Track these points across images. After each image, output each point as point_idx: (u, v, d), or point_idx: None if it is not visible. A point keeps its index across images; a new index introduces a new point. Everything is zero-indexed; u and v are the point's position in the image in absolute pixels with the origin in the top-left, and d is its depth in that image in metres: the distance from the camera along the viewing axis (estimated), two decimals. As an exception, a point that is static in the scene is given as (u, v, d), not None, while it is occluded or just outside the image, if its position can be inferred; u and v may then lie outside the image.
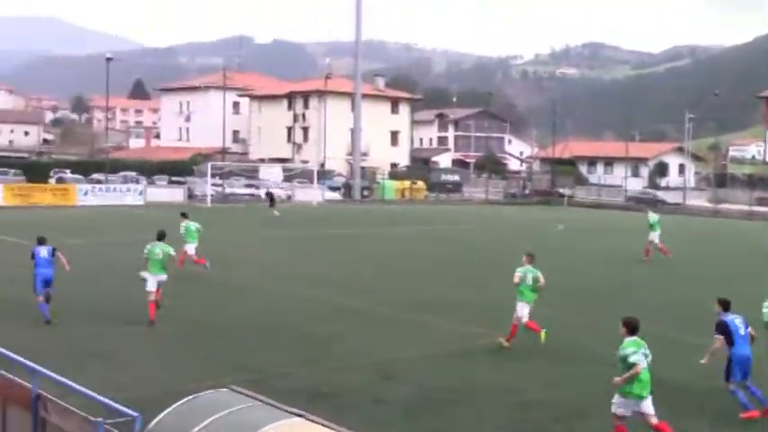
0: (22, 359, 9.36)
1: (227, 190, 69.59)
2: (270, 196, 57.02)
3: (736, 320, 12.95)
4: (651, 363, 11.21)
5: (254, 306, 21.58)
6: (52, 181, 70.03)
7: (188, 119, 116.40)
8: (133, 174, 75.00)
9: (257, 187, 71.93)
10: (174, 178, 72.78)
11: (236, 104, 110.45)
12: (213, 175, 66.72)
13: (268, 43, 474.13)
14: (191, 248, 27.52)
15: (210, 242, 36.24)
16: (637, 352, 10.97)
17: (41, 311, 18.42)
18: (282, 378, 14.37)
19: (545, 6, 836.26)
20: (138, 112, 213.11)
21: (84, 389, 8.07)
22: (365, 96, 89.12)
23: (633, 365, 10.87)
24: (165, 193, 65.03)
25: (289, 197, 70.15)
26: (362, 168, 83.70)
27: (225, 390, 8.12)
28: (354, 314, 20.93)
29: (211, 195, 63.78)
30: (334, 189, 77.11)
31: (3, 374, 9.65)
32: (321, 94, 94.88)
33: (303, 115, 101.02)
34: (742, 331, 12.87)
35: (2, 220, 44.90)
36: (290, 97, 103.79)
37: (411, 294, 23.96)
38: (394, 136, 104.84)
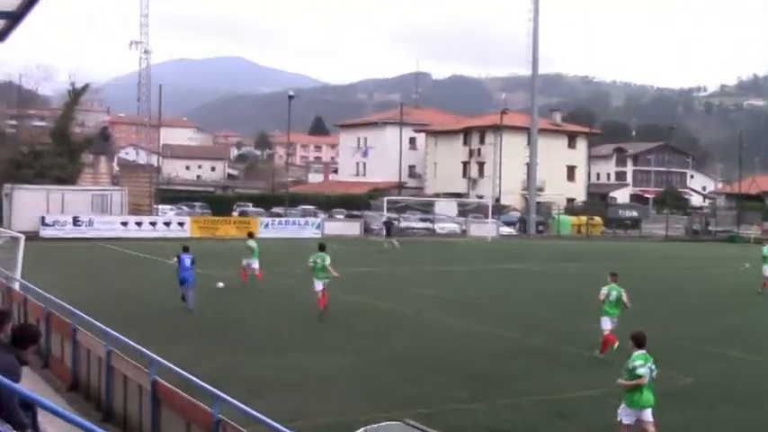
0: (204, 384, 9.74)
1: (403, 224, 70.32)
2: (387, 226, 57.81)
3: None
4: (655, 377, 12.06)
5: (426, 339, 21.60)
6: (235, 214, 72.98)
7: (365, 154, 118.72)
8: (311, 207, 77.08)
9: (432, 221, 72.40)
10: (351, 212, 74.22)
11: (412, 140, 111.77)
12: (389, 210, 67.60)
13: (445, 79, 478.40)
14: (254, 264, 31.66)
15: (382, 275, 36.67)
16: (644, 365, 11.87)
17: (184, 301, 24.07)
18: (455, 413, 14.29)
19: (731, 34, 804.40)
20: (318, 147, 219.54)
21: (263, 416, 8.27)
22: (541, 131, 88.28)
23: (639, 377, 11.79)
24: (342, 226, 66.47)
25: (463, 232, 70.20)
26: (538, 203, 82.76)
27: (398, 423, 8.13)
28: (527, 350, 20.60)
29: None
30: (508, 224, 76.61)
31: (187, 398, 10.08)
32: (497, 128, 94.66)
33: (479, 150, 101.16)
34: None
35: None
36: (466, 132, 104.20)
37: (585, 330, 23.34)
38: (570, 171, 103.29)
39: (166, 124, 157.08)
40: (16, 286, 21.19)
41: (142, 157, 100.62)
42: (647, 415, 11.92)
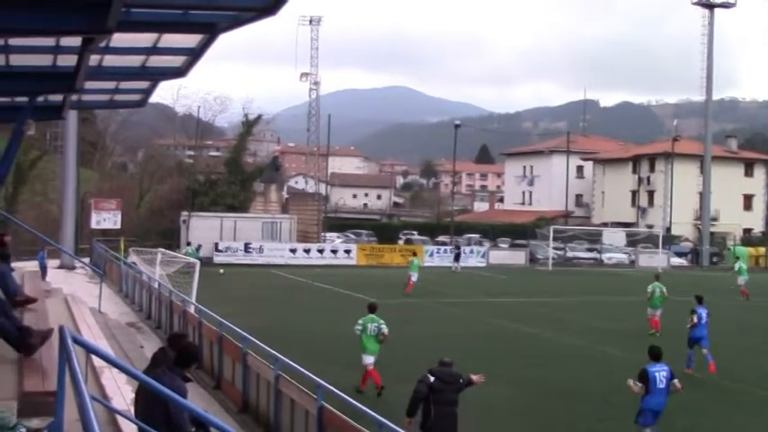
0: (369, 411, 9.81)
1: (569, 254, 69.17)
2: (456, 252, 59.19)
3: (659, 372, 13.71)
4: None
5: (594, 372, 21.09)
6: (401, 242, 73.71)
7: (531, 183, 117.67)
8: (477, 236, 76.90)
9: (599, 251, 70.87)
10: (517, 241, 73.63)
11: (579, 168, 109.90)
12: (555, 239, 66.62)
13: (613, 106, 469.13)
14: None
15: (549, 305, 36.16)
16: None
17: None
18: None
19: None
20: (483, 176, 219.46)
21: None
22: (715, 158, 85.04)
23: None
24: (508, 255, 66.04)
25: (632, 262, 68.33)
26: (711, 234, 79.61)
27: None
28: (706, 388, 19.74)
29: (553, 259, 63.67)
30: (680, 255, 74.02)
31: (353, 425, 10.19)
32: (668, 156, 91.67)
33: (648, 178, 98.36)
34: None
35: (355, 278, 47.93)
36: (635, 160, 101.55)
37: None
38: (747, 200, 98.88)
39: (335, 153, 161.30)
40: (192, 310, 22.14)
41: (311, 186, 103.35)
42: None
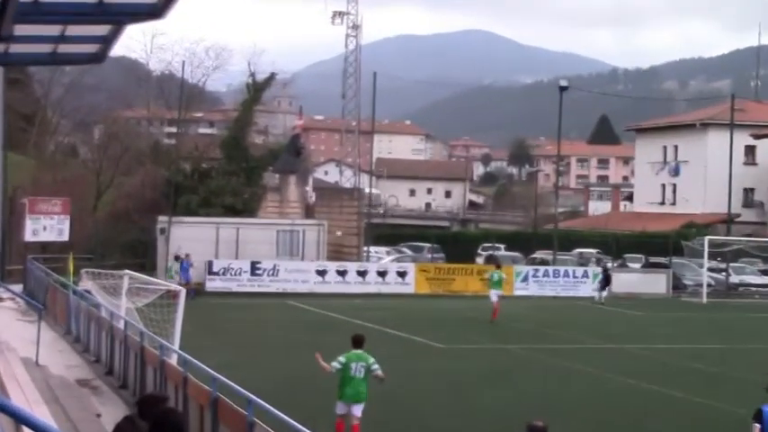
0: None
1: (734, 278, 68.31)
2: (605, 275, 59.58)
3: None
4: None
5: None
6: (480, 260, 73.50)
7: (675, 172, 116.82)
8: (592, 251, 76.40)
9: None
10: (654, 259, 73.09)
11: (749, 149, 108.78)
12: (712, 256, 65.89)
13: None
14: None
15: (709, 356, 35.93)
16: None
17: None
18: None
19: None
20: (603, 162, 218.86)
21: None
22: None
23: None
24: (640, 280, 65.41)
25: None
26: None
27: None
28: None
29: (709, 286, 63.03)
30: None
31: None
32: None
33: None
34: None
35: (413, 313, 47.96)
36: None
37: None
38: None
39: (382, 130, 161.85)
40: (173, 360, 22.24)
41: (347, 178, 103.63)
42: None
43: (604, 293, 58.01)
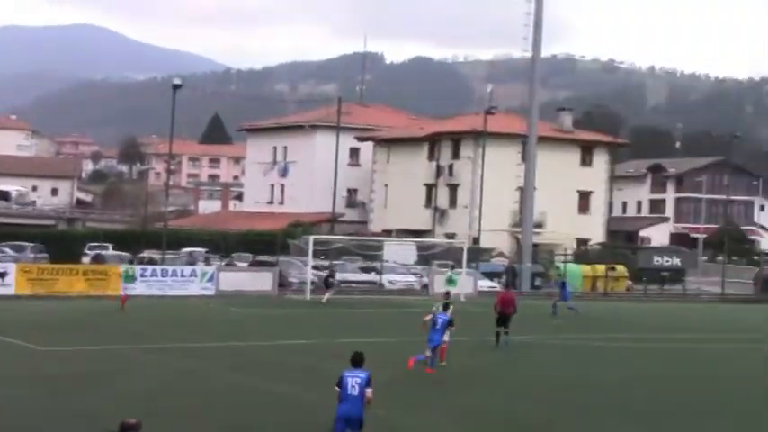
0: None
1: (337, 275, 70.43)
2: (328, 276, 62.34)
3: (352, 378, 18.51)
4: None
5: None
6: (86, 260, 72.49)
7: (284, 172, 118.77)
8: (201, 251, 76.83)
9: (379, 272, 72.61)
10: (261, 257, 74.15)
11: (354, 151, 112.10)
12: (317, 254, 67.56)
13: (404, 63, 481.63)
14: None
15: (306, 351, 36.85)
16: None
17: None
18: None
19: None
20: (214, 161, 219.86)
21: None
22: (543, 140, 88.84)
23: None
24: (247, 278, 66.27)
25: (425, 287, 70.38)
26: (535, 246, 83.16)
27: None
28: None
29: (312, 283, 64.77)
30: (491, 275, 76.97)
31: None
32: (478, 136, 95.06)
33: (450, 167, 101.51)
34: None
35: (13, 316, 46.88)
36: (434, 141, 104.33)
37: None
38: (584, 198, 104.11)
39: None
40: None
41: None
42: None
43: (327, 295, 59.52)
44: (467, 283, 68.49)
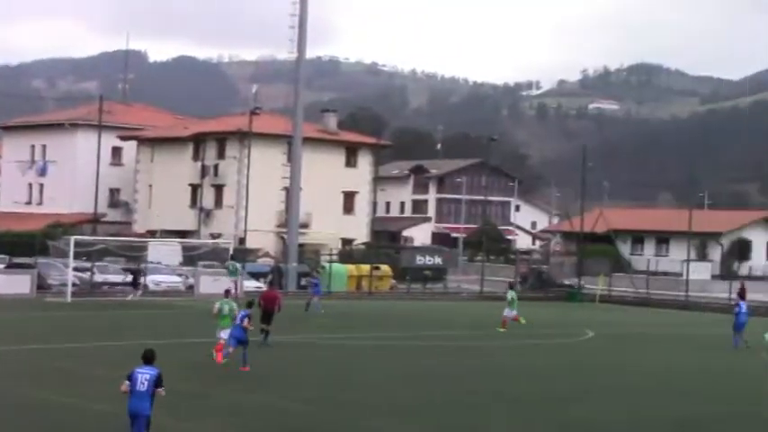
0: None
1: (98, 277, 69.12)
2: (135, 276, 63.71)
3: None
4: None
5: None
6: None
7: (43, 172, 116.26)
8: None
9: (143, 273, 71.61)
10: (18, 259, 72.29)
11: (116, 150, 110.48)
12: (78, 256, 66.25)
13: (168, 62, 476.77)
14: None
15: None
16: None
17: None
18: None
19: (570, 13, 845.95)
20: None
21: None
22: (308, 141, 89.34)
23: None
24: (4, 281, 64.20)
25: (190, 288, 69.86)
26: (301, 246, 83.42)
27: None
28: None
29: (74, 285, 63.39)
30: (258, 276, 76.89)
31: None
32: (243, 136, 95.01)
33: (216, 167, 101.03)
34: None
35: None
36: (198, 141, 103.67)
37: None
38: (348, 199, 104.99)
39: None
40: None
41: None
42: None
43: (139, 292, 60.69)
44: (232, 284, 68.22)
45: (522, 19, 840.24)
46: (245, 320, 33.78)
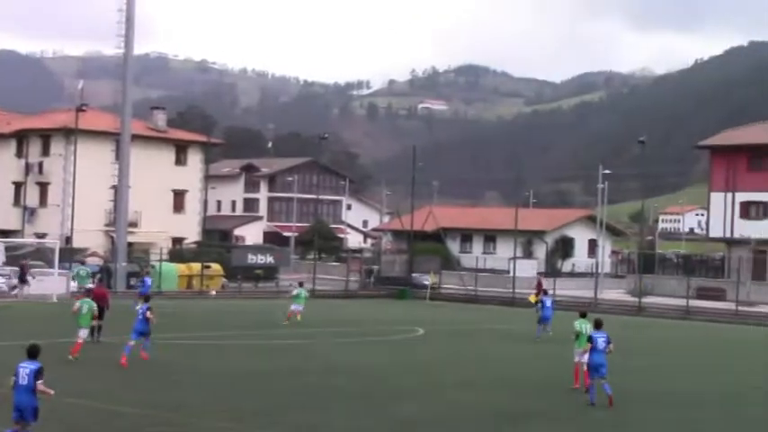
0: None
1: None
2: (22, 272, 63.86)
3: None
4: None
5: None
6: None
7: None
8: None
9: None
10: None
11: None
12: None
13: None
14: None
15: None
16: None
17: None
18: None
19: (401, 14, 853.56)
20: None
21: None
22: (137, 138, 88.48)
23: None
24: None
25: (14, 288, 68.35)
26: (130, 245, 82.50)
27: None
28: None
29: None
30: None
31: None
32: (69, 133, 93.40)
33: (40, 165, 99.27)
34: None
35: None
36: (22, 138, 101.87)
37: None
38: (179, 197, 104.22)
39: None
40: None
41: None
42: None
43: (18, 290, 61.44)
44: (60, 285, 67.34)
45: (353, 19, 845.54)
46: (148, 312, 35.15)
